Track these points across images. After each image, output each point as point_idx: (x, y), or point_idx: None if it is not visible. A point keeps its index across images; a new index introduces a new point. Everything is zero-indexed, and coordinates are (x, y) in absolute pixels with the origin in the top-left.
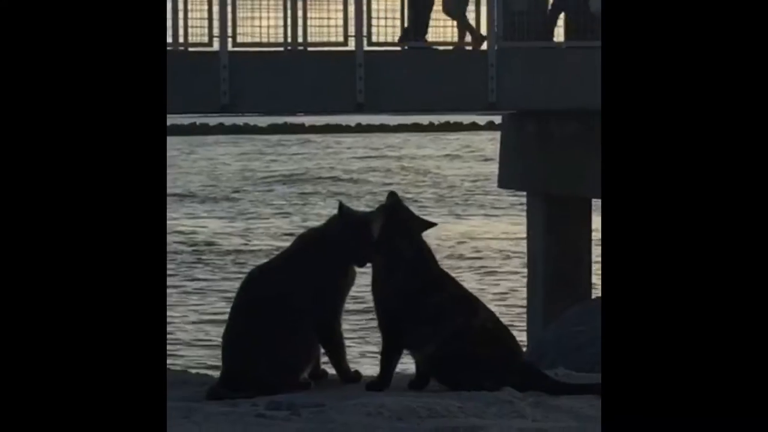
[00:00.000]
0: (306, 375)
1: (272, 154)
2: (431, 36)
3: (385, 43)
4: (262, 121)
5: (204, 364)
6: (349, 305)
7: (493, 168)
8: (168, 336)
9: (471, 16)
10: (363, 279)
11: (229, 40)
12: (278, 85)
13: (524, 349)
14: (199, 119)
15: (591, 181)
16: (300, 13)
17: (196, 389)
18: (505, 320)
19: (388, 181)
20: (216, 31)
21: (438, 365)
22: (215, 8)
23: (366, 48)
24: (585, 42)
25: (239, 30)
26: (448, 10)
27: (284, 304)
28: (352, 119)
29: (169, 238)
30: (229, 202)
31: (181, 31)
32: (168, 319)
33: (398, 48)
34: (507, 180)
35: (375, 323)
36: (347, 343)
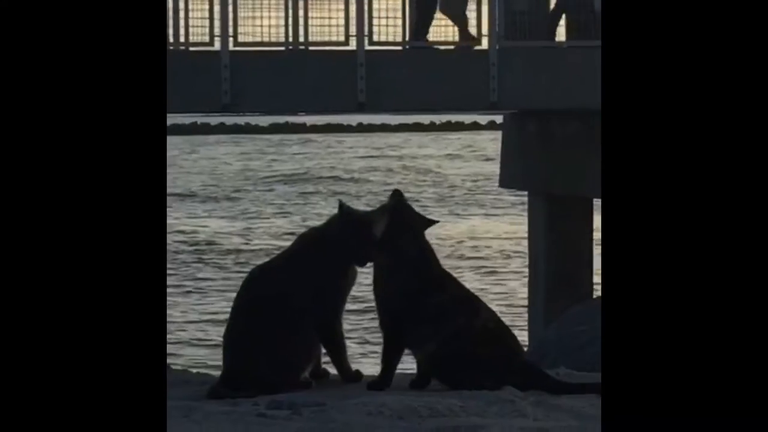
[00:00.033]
0: (307, 374)
1: (273, 153)
2: (432, 35)
3: (387, 43)
4: (263, 120)
5: (205, 364)
6: (349, 305)
7: (495, 167)
8: (168, 335)
9: (472, 15)
10: (364, 279)
11: (231, 39)
12: (279, 84)
13: (525, 348)
14: (200, 119)
15: (592, 180)
16: (301, 13)
17: (197, 388)
18: (506, 320)
19: (389, 180)
20: (217, 30)
21: (439, 365)
22: (216, 7)
23: (367, 47)
24: (586, 42)
25: (240, 29)
26: (444, 9)
27: (285, 303)
28: (353, 119)
29: (170, 238)
30: (230, 202)
31: (182, 31)
32: (168, 319)
33: (399, 47)
34: (508, 179)
35: (376, 323)
36: (348, 342)
